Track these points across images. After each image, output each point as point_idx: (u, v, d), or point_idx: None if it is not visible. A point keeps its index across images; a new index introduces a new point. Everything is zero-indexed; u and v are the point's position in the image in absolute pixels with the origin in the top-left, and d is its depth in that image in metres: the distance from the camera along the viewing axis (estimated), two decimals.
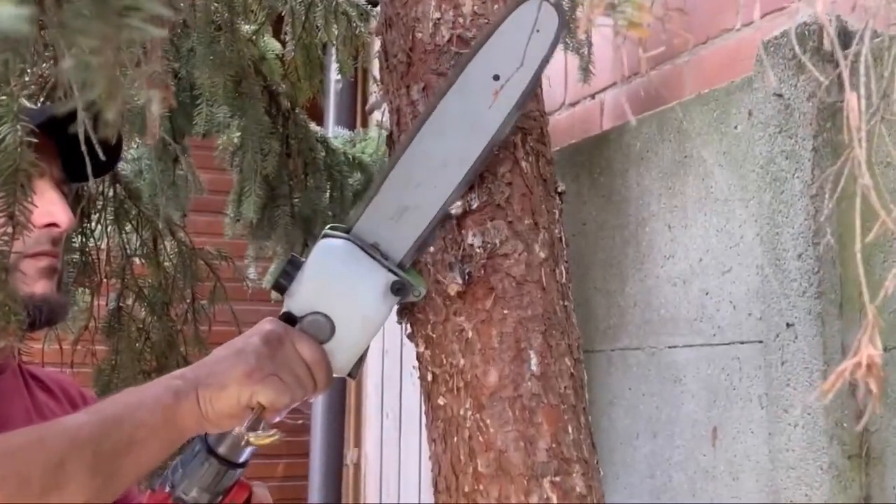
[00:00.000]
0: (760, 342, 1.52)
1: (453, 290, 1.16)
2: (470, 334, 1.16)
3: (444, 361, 1.18)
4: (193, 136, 2.01)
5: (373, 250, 1.17)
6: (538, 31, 1.09)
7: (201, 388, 1.06)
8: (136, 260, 1.99)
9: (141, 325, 1.97)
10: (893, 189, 1.29)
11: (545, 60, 1.13)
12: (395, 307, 1.20)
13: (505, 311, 1.16)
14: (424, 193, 1.17)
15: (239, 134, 1.92)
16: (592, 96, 2.18)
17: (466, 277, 1.16)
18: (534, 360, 1.16)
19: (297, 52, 1.95)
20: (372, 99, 3.63)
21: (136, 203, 1.93)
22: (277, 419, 1.12)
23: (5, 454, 0.97)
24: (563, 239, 1.23)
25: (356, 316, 1.15)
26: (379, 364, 3.73)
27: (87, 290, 2.00)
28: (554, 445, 1.15)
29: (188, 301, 1.99)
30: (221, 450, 1.13)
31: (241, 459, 1.15)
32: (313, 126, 2.14)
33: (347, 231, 1.18)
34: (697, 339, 1.68)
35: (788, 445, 1.41)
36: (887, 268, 1.28)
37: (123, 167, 1.98)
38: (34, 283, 1.19)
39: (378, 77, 1.31)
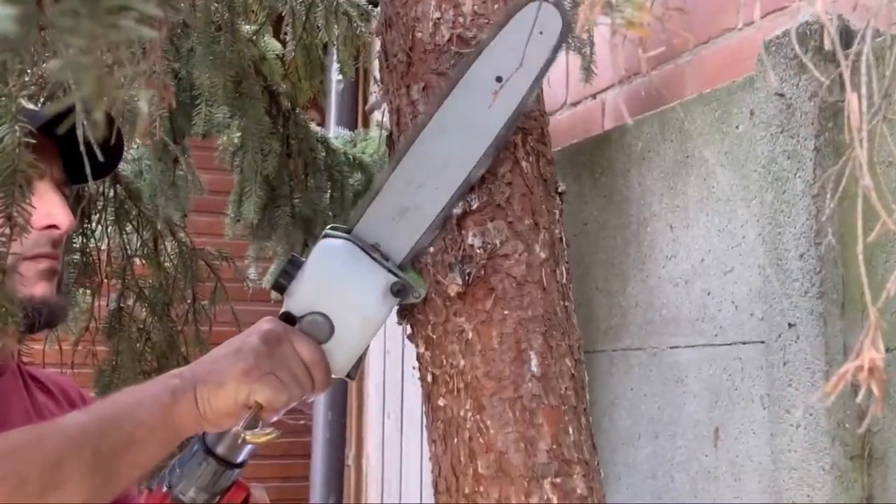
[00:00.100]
0: (762, 342, 1.52)
1: (453, 290, 1.16)
2: (470, 335, 1.16)
3: (445, 362, 1.18)
4: (193, 137, 2.00)
5: (373, 251, 1.17)
6: (541, 32, 1.09)
7: (199, 386, 1.06)
8: (137, 260, 1.99)
9: (142, 326, 1.97)
10: (895, 189, 1.28)
11: (548, 62, 1.13)
12: (395, 308, 1.19)
13: (505, 312, 1.16)
14: (425, 194, 1.16)
15: (239, 134, 1.92)
16: (594, 96, 2.18)
17: (466, 278, 1.15)
18: (534, 361, 1.15)
19: (297, 53, 1.95)
20: (372, 99, 3.63)
21: (137, 203, 1.93)
22: (275, 418, 1.12)
23: (4, 454, 0.97)
24: (564, 239, 1.23)
25: (355, 316, 1.15)
26: (380, 365, 3.73)
27: (88, 291, 2.00)
28: (554, 447, 1.14)
29: (189, 301, 1.99)
30: (219, 450, 1.13)
31: (239, 459, 1.14)
32: (314, 126, 2.13)
33: (348, 231, 1.18)
34: (699, 339, 1.67)
35: (790, 446, 1.41)
36: (889, 268, 1.28)
37: (124, 168, 1.98)
38: (33, 285, 1.19)
39: (378, 77, 1.31)
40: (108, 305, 2.01)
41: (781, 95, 1.44)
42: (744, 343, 1.58)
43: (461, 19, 1.20)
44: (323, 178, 2.09)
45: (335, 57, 2.06)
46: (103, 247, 1.97)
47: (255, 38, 1.97)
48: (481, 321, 1.16)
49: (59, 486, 0.97)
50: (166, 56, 1.69)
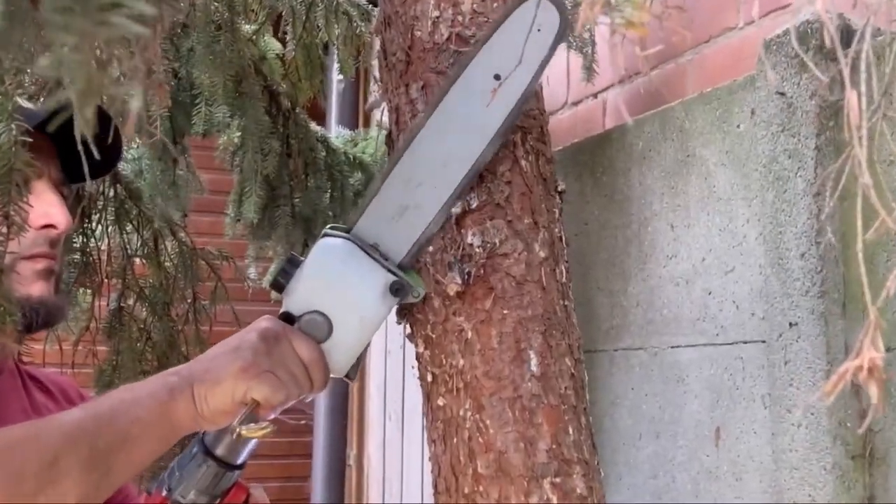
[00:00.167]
0: (763, 342, 1.51)
1: (452, 290, 1.15)
2: (469, 334, 1.16)
3: (444, 362, 1.17)
4: (193, 136, 2.00)
5: (372, 250, 1.16)
6: (539, 29, 1.09)
7: (196, 383, 1.05)
8: (137, 260, 1.99)
9: (142, 326, 1.97)
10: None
11: (546, 59, 1.12)
12: (394, 308, 1.19)
13: (505, 311, 1.15)
14: (425, 194, 1.16)
15: (239, 134, 1.92)
16: (595, 95, 2.17)
17: (466, 277, 1.15)
18: (534, 361, 1.15)
19: (297, 52, 1.95)
20: (371, 98, 3.63)
21: (137, 203, 1.93)
22: (272, 416, 1.11)
23: (0, 450, 0.97)
24: (564, 238, 1.23)
25: (354, 316, 1.15)
26: (382, 365, 3.73)
27: (88, 291, 1.99)
28: (554, 446, 1.14)
29: (189, 301, 1.99)
30: (219, 451, 1.13)
31: (239, 461, 1.14)
32: (314, 126, 2.13)
33: (347, 230, 1.18)
34: (700, 339, 1.67)
35: (792, 446, 1.41)
36: (890, 267, 1.27)
37: (124, 167, 1.98)
38: (31, 285, 1.19)
39: (377, 76, 1.31)
40: (108, 305, 2.01)
41: (782, 94, 1.44)
42: (745, 342, 1.58)
43: (460, 18, 1.19)
44: (323, 177, 2.08)
45: (336, 56, 2.05)
46: (103, 246, 1.97)
47: (255, 37, 1.97)
48: (481, 320, 1.15)
49: (56, 482, 0.97)
50: (166, 55, 1.69)
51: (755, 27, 1.74)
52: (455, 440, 1.17)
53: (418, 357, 1.22)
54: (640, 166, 1.82)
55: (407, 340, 1.25)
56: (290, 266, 1.16)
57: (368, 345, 1.18)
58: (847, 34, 1.26)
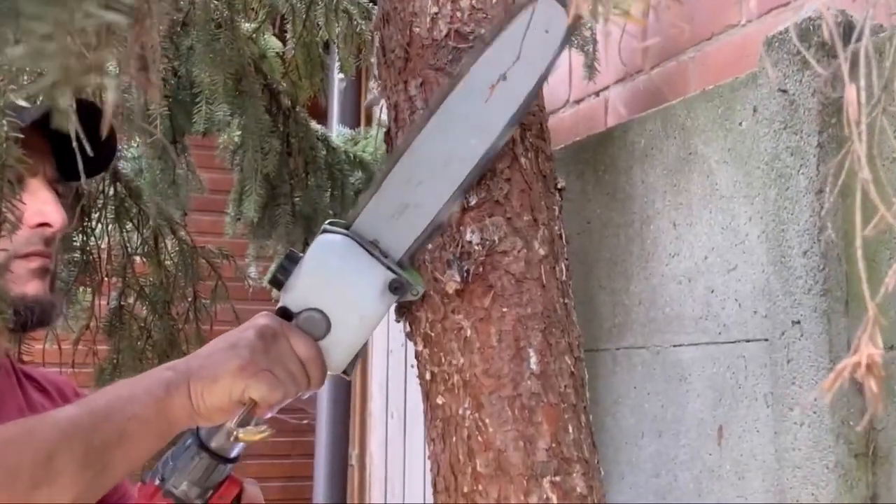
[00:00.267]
0: (766, 340, 1.51)
1: (451, 287, 1.15)
2: (468, 332, 1.15)
3: (443, 360, 1.17)
4: (193, 135, 2.00)
5: (372, 248, 1.16)
6: (546, 30, 1.08)
7: (193, 380, 1.05)
8: (138, 258, 1.98)
9: (142, 324, 1.97)
10: None
11: (553, 61, 1.12)
12: (394, 306, 1.18)
13: (504, 309, 1.15)
14: (426, 192, 1.15)
15: (239, 133, 1.91)
16: (597, 94, 2.17)
17: (465, 275, 1.14)
18: (533, 359, 1.14)
19: (297, 51, 1.95)
20: (370, 95, 3.63)
21: (137, 201, 1.92)
22: (269, 415, 1.11)
23: None
24: (563, 236, 1.22)
25: (353, 313, 1.14)
26: (383, 364, 3.72)
27: (88, 289, 1.99)
28: (554, 445, 1.13)
29: (190, 300, 1.99)
30: (213, 444, 1.12)
31: (233, 454, 1.13)
32: (314, 124, 2.13)
33: (347, 227, 1.17)
34: (703, 337, 1.66)
35: (794, 444, 1.40)
36: (892, 265, 1.26)
37: (124, 165, 1.98)
38: (26, 284, 1.18)
39: (377, 73, 1.30)
40: (108, 304, 2.00)
41: (784, 92, 1.43)
42: (747, 341, 1.57)
43: (459, 14, 1.19)
44: (323, 176, 2.08)
45: (336, 55, 2.05)
46: (103, 245, 1.97)
47: (255, 35, 1.96)
48: (480, 318, 1.15)
49: (51, 479, 0.96)
50: (166, 54, 1.69)
51: (757, 24, 1.73)
52: (454, 439, 1.16)
53: (417, 355, 1.21)
54: (642, 164, 1.82)
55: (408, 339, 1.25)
56: (289, 262, 1.15)
57: (367, 342, 1.17)
58: (848, 30, 1.25)
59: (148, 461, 1.12)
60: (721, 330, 1.62)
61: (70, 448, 0.98)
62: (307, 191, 2.04)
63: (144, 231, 1.94)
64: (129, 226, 1.94)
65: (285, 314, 1.14)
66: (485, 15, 1.19)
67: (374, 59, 1.35)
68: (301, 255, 1.16)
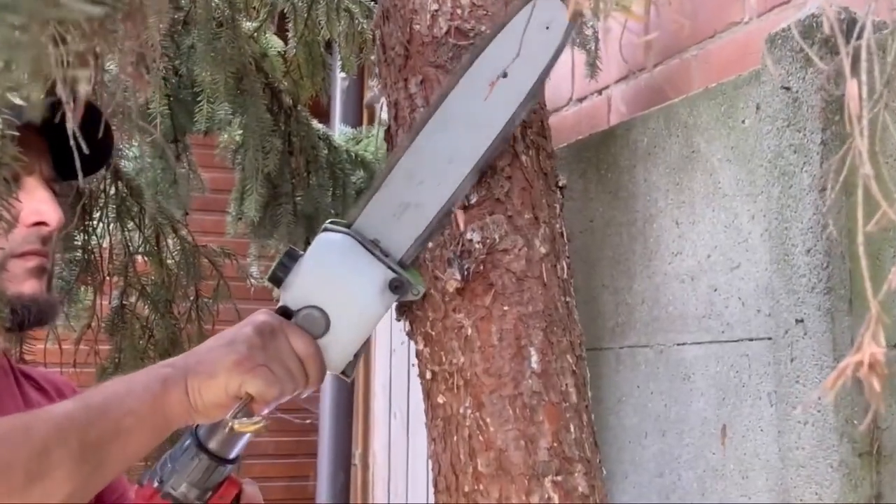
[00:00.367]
0: (769, 339, 1.50)
1: (452, 286, 1.14)
2: (469, 331, 1.15)
3: (444, 359, 1.16)
4: (195, 134, 2.00)
5: (373, 246, 1.15)
6: (547, 27, 1.08)
7: (190, 376, 1.04)
8: (139, 257, 1.98)
9: (144, 324, 1.97)
10: None
11: (554, 58, 1.11)
12: (394, 305, 1.18)
13: (505, 308, 1.14)
14: (427, 191, 1.15)
15: (240, 132, 1.91)
16: (600, 92, 2.16)
17: (465, 273, 1.14)
18: (534, 358, 1.14)
19: (298, 50, 1.94)
20: (370, 93, 3.62)
21: (138, 200, 1.92)
22: (266, 411, 1.10)
23: None
24: (565, 234, 1.22)
25: (352, 312, 1.13)
26: (386, 363, 3.72)
27: (90, 289, 1.99)
28: (555, 444, 1.13)
29: (191, 299, 1.99)
30: (212, 445, 1.12)
31: (232, 455, 1.13)
32: (315, 123, 2.12)
33: (348, 226, 1.17)
34: (706, 336, 1.66)
35: (798, 443, 1.39)
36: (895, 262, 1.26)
37: (125, 164, 1.98)
38: (22, 283, 1.18)
39: (377, 70, 1.30)
40: (110, 303, 2.00)
41: (788, 89, 1.42)
42: (751, 340, 1.56)
43: (459, 11, 1.18)
44: (325, 175, 2.08)
45: (338, 54, 2.05)
46: (105, 244, 1.97)
47: (256, 34, 1.96)
48: (480, 317, 1.15)
49: (46, 474, 0.96)
50: (166, 52, 1.69)
51: (760, 22, 1.72)
52: (455, 438, 1.16)
53: (418, 354, 1.21)
54: (644, 163, 1.81)
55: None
56: (289, 260, 1.15)
57: (367, 342, 1.17)
58: (851, 27, 1.24)
59: (145, 460, 1.12)
60: (724, 328, 1.62)
61: (65, 443, 0.97)
62: (309, 190, 2.04)
63: (146, 230, 1.93)
64: (130, 225, 1.94)
65: (285, 312, 1.14)
66: (485, 12, 1.18)
67: (374, 57, 1.34)
68: (301, 252, 1.16)
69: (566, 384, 1.15)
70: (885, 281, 0.65)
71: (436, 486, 1.21)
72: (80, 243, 1.93)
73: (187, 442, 1.13)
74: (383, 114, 1.30)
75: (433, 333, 1.17)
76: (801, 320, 1.40)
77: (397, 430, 3.64)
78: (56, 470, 0.96)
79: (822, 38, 1.34)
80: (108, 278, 1.99)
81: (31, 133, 0.97)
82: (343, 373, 1.15)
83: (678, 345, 1.73)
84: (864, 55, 0.65)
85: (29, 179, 1.16)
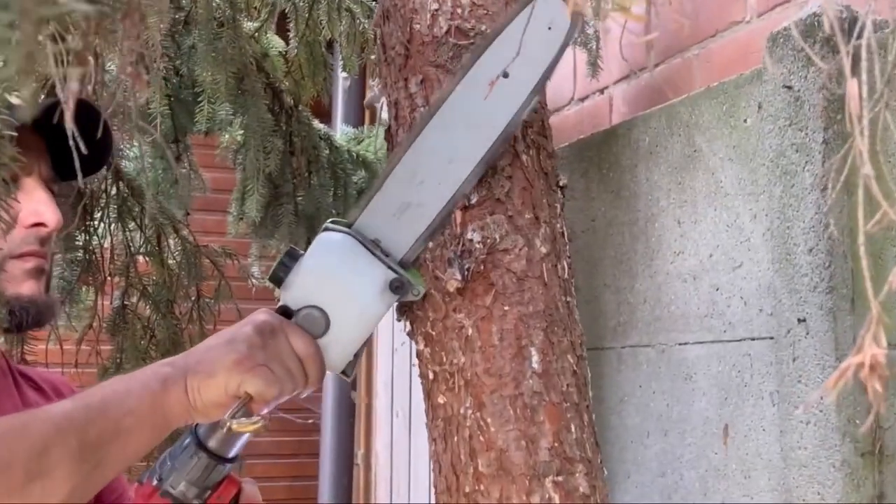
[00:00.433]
0: (771, 338, 1.50)
1: (452, 286, 1.14)
2: (470, 331, 1.14)
3: (444, 359, 1.16)
4: (195, 134, 2.00)
5: (373, 246, 1.15)
6: (549, 28, 1.08)
7: (190, 375, 1.04)
8: (140, 258, 1.98)
9: (146, 324, 1.97)
10: None
11: (557, 58, 1.11)
12: (394, 305, 1.18)
13: (505, 308, 1.14)
14: (428, 191, 1.15)
15: (241, 132, 1.91)
16: (601, 91, 2.16)
17: (466, 273, 1.14)
18: (535, 358, 1.14)
19: (300, 50, 1.94)
20: (370, 93, 3.62)
21: (139, 201, 1.92)
22: (265, 411, 1.10)
23: None
24: (565, 233, 1.21)
25: (352, 312, 1.13)
26: (388, 362, 3.72)
27: (91, 289, 1.99)
28: (556, 444, 1.13)
29: (193, 299, 1.98)
30: (211, 444, 1.11)
31: (231, 454, 1.13)
32: (316, 123, 2.12)
33: (349, 226, 1.16)
34: (708, 335, 1.65)
35: (800, 443, 1.39)
36: None
37: (126, 164, 1.97)
38: (21, 284, 1.18)
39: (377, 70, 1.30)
40: (111, 303, 2.00)
41: (789, 88, 1.42)
42: (753, 339, 1.56)
43: (459, 10, 1.18)
44: (326, 175, 2.07)
45: (340, 54, 2.04)
46: (106, 244, 1.96)
47: (257, 34, 1.96)
48: (481, 317, 1.14)
49: (45, 473, 0.95)
50: (167, 52, 1.68)
51: (761, 21, 1.72)
52: (456, 438, 1.15)
53: (419, 354, 1.21)
54: (646, 162, 1.81)
55: None
56: (290, 259, 1.15)
57: (367, 342, 1.16)
58: (852, 26, 1.24)
59: (144, 459, 1.11)
60: (726, 328, 1.61)
61: (64, 442, 0.97)
62: (310, 190, 2.04)
63: (147, 230, 1.93)
64: (131, 225, 1.94)
65: (285, 311, 1.13)
66: (485, 11, 1.18)
67: (374, 57, 1.34)
68: (302, 252, 1.16)
69: (567, 384, 1.15)
70: (885, 280, 0.65)
71: (436, 486, 1.20)
72: (81, 243, 1.93)
73: (187, 440, 1.12)
74: (384, 113, 1.30)
75: (434, 333, 1.17)
76: (803, 320, 1.39)
77: (400, 429, 3.64)
78: (55, 469, 0.96)
79: (823, 37, 1.33)
80: (109, 278, 1.99)
81: (30, 133, 0.96)
82: (343, 372, 1.15)
83: (680, 344, 1.72)
84: (864, 54, 0.65)
85: (27, 180, 1.16)
